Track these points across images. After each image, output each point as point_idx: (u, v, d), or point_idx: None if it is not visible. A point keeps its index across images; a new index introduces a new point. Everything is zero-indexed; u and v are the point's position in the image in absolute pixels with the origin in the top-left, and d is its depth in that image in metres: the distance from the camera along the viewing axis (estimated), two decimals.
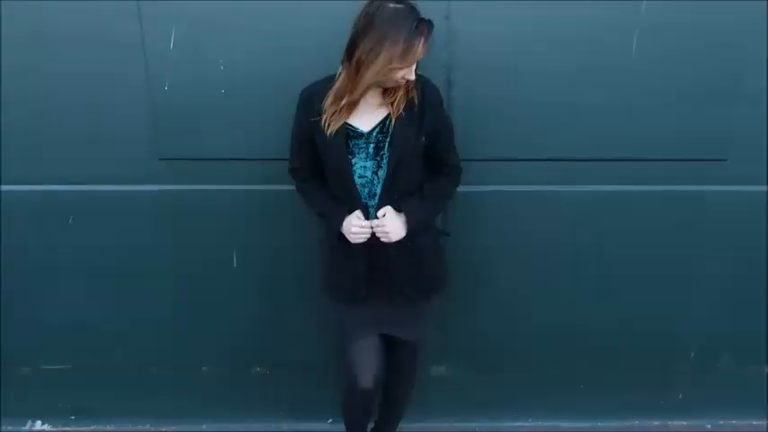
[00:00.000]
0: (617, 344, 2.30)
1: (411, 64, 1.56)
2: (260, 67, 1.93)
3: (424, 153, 1.74)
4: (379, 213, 1.70)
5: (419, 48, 1.54)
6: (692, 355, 2.33)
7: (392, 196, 1.72)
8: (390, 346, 1.95)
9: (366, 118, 1.68)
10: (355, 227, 1.69)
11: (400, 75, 1.56)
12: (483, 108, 1.98)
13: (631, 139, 2.03)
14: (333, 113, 1.63)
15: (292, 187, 2.02)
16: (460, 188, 2.06)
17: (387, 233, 1.69)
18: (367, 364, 1.84)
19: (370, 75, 1.53)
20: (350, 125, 1.68)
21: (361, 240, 1.71)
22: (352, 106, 1.64)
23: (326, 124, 1.64)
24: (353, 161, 1.70)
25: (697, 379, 2.37)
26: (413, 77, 1.60)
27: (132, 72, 1.95)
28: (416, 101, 1.66)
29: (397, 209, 1.72)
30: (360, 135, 1.68)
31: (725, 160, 2.07)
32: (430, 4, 1.85)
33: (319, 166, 1.77)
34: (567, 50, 1.93)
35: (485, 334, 2.28)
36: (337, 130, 1.65)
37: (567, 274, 2.20)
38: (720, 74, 1.97)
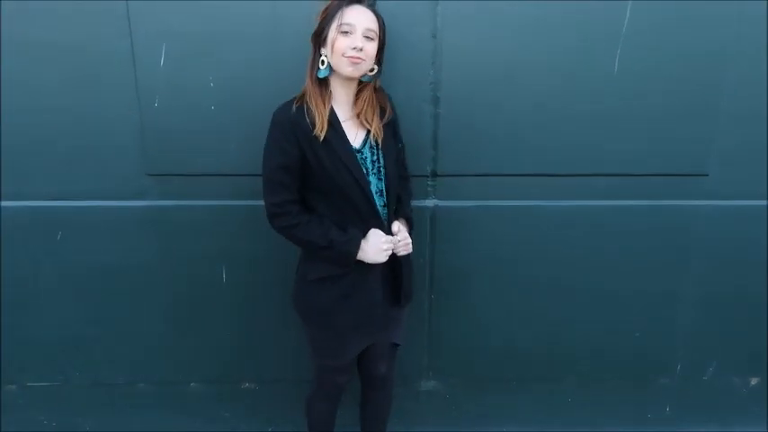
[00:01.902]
0: (603, 357, 2.32)
1: (350, 29, 1.56)
2: (249, 83, 1.95)
3: None
4: (394, 229, 1.72)
5: (350, 11, 1.57)
6: (678, 367, 2.35)
7: (392, 207, 1.77)
8: (371, 366, 1.94)
9: (353, 136, 1.68)
10: (386, 244, 1.66)
11: (345, 44, 1.56)
12: (469, 124, 2.01)
13: (614, 155, 2.07)
14: (322, 119, 1.60)
15: None
16: (447, 203, 2.09)
17: (408, 245, 1.74)
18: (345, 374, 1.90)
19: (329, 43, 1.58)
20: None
21: (386, 258, 1.68)
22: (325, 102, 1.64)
23: (322, 133, 1.59)
24: None
25: (684, 391, 2.39)
26: (359, 44, 1.57)
27: (122, 88, 1.96)
28: (387, 111, 1.73)
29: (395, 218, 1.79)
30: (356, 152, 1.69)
31: (706, 175, 2.11)
32: (417, 23, 1.91)
33: (302, 197, 1.68)
34: (551, 68, 1.97)
35: (472, 348, 2.29)
36: (346, 147, 1.62)
37: (552, 289, 2.22)
38: (700, 90, 2.02)
